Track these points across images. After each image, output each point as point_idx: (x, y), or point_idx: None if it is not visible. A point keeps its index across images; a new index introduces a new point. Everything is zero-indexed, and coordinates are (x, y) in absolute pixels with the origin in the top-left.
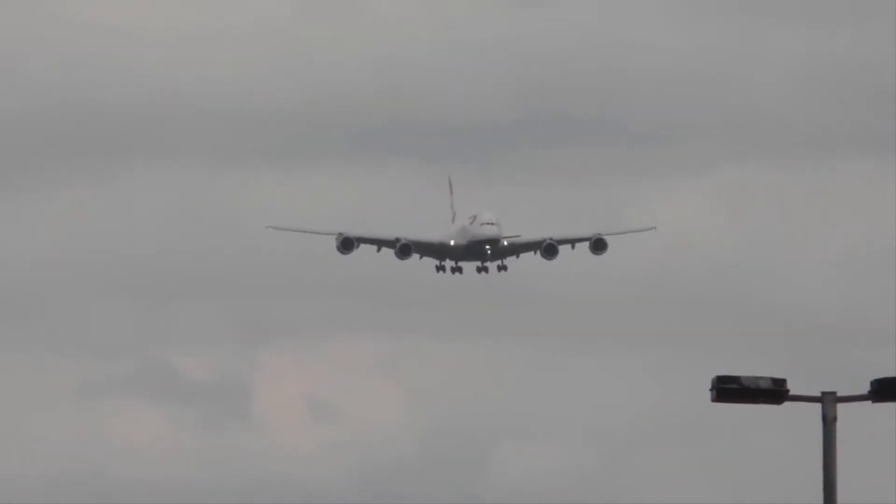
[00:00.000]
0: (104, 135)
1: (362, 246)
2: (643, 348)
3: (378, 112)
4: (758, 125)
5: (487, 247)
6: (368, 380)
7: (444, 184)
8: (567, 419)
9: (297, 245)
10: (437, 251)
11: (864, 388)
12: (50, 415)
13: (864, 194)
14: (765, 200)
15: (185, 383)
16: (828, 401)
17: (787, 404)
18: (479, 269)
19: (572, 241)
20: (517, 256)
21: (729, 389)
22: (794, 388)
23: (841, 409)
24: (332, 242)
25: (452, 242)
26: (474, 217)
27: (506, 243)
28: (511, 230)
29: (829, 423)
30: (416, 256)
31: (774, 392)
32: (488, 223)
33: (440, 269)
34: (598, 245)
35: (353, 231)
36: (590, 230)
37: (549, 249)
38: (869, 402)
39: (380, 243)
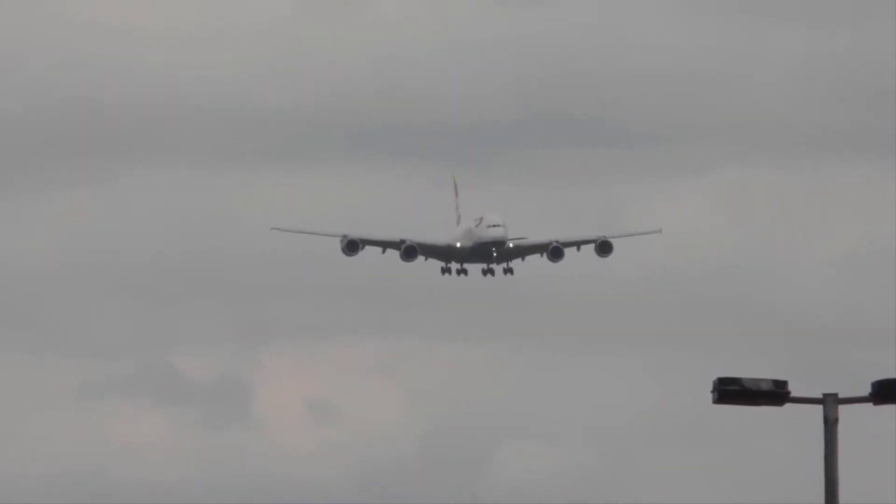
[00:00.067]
0: (104, 135)
1: (367, 247)
2: (644, 350)
3: (378, 112)
4: (758, 125)
5: (493, 249)
6: (374, 381)
7: (446, 184)
8: (569, 420)
9: (301, 246)
10: (442, 253)
11: (866, 390)
12: (51, 415)
13: (864, 194)
14: (765, 201)
15: (187, 384)
16: (829, 402)
17: (788, 406)
18: (485, 272)
19: (578, 244)
20: (523, 259)
21: (730, 391)
22: (795, 389)
23: (842, 410)
24: (337, 244)
25: (458, 244)
26: (480, 219)
27: (511, 245)
28: (514, 232)
29: (830, 424)
30: (421, 258)
31: (776, 394)
32: (494, 225)
33: (446, 270)
34: (604, 247)
35: (357, 232)
36: (593, 232)
37: (555, 252)
38: (870, 404)
39: (385, 245)
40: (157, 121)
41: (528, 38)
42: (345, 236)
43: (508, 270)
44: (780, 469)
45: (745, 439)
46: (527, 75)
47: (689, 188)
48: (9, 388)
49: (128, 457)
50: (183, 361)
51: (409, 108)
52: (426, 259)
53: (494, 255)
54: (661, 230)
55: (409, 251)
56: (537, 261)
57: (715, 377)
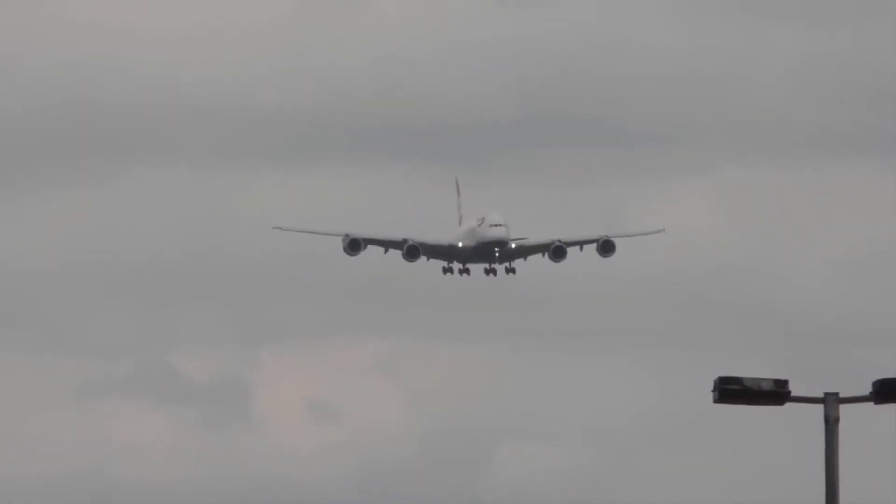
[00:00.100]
0: (104, 135)
1: (369, 247)
2: (645, 349)
3: (378, 112)
4: (758, 125)
5: (496, 249)
6: (375, 381)
7: (446, 184)
8: (570, 420)
9: (301, 246)
10: (444, 253)
11: (866, 389)
12: (51, 415)
13: (864, 194)
14: (765, 201)
15: (187, 384)
16: (830, 402)
17: (788, 405)
18: (487, 272)
19: (580, 243)
20: (525, 258)
21: (731, 390)
22: (795, 389)
23: (843, 410)
24: (339, 243)
25: (460, 244)
26: (483, 219)
27: (514, 245)
28: (515, 232)
29: (830, 423)
30: (423, 258)
31: (776, 393)
32: (497, 225)
33: (447, 270)
34: (606, 247)
35: (359, 232)
36: (593, 231)
37: (557, 252)
38: (871, 403)
39: (387, 245)
40: (158, 121)
41: (528, 38)
42: (347, 235)
43: (510, 270)
44: (780, 468)
45: (745, 439)
46: (527, 75)
47: (689, 188)
48: (9, 388)
49: (128, 457)
50: (183, 361)
51: (409, 108)
52: (428, 259)
53: (497, 254)
54: (664, 230)
55: (412, 251)
56: (539, 261)
57: (715, 376)
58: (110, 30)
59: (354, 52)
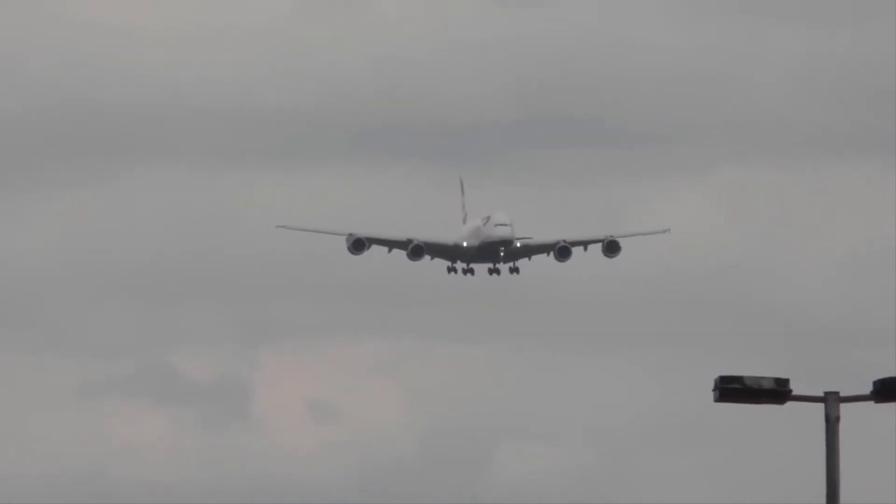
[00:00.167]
0: (104, 135)
1: (373, 247)
2: (646, 348)
3: (378, 112)
4: (758, 125)
5: (501, 248)
6: (377, 381)
7: (446, 184)
8: (570, 420)
9: (303, 246)
10: (449, 252)
11: (867, 389)
12: (51, 415)
13: (864, 194)
14: (766, 201)
15: (187, 384)
16: (830, 401)
17: (789, 404)
18: (491, 271)
19: (585, 243)
20: (529, 258)
21: (732, 389)
22: (796, 388)
23: (844, 409)
24: (342, 243)
25: (465, 244)
26: (487, 218)
27: (518, 245)
28: (517, 231)
29: (831, 423)
30: (427, 258)
31: (777, 392)
32: (502, 224)
33: (452, 270)
34: (611, 247)
35: (363, 231)
36: (594, 231)
37: (562, 251)
38: (872, 402)
39: (391, 244)
40: (158, 121)
41: (528, 38)
42: (351, 235)
43: (514, 270)
44: (781, 468)
45: (746, 438)
46: (527, 75)
47: (690, 188)
48: (9, 388)
49: (128, 457)
50: (183, 361)
51: (409, 108)
52: (432, 258)
53: (502, 254)
54: (668, 230)
55: (416, 250)
56: (543, 261)
57: (716, 375)
58: (110, 30)
59: (354, 52)
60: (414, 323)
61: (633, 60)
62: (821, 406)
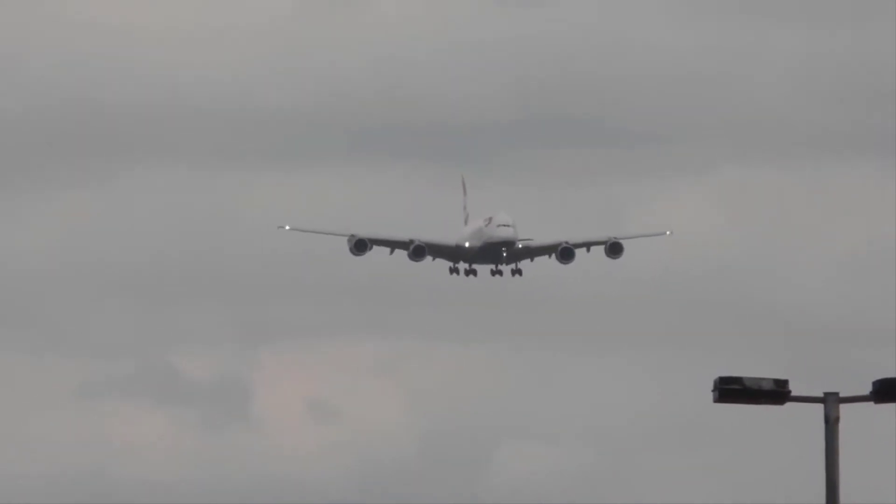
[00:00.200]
0: (104, 135)
1: (374, 247)
2: (645, 349)
3: (378, 113)
4: (758, 125)
5: (503, 249)
6: (380, 382)
7: (446, 184)
8: (570, 420)
9: (303, 246)
10: (451, 253)
11: (867, 389)
12: (51, 415)
13: (864, 194)
14: (765, 201)
15: (187, 384)
16: (830, 401)
17: (789, 405)
18: (494, 273)
19: (587, 245)
20: (531, 260)
21: (731, 390)
22: (796, 388)
23: (843, 409)
24: (343, 243)
25: (467, 244)
26: (490, 219)
27: (521, 246)
28: (521, 233)
29: (831, 423)
30: (428, 258)
31: (776, 393)
32: (504, 225)
33: (453, 271)
34: (614, 249)
35: (365, 232)
36: (594, 232)
37: (565, 253)
38: (871, 403)
39: (393, 245)
40: (158, 121)
41: (528, 38)
42: (353, 236)
43: (517, 271)
44: (780, 468)
45: (745, 438)
46: (527, 75)
47: (690, 188)
48: (9, 388)
49: (128, 457)
50: (183, 361)
51: (409, 109)
52: (434, 259)
53: (504, 255)
54: (671, 231)
55: (418, 251)
56: (545, 262)
57: (716, 376)
58: (110, 30)
59: (354, 52)
60: (416, 323)
61: (633, 60)
62: (820, 407)
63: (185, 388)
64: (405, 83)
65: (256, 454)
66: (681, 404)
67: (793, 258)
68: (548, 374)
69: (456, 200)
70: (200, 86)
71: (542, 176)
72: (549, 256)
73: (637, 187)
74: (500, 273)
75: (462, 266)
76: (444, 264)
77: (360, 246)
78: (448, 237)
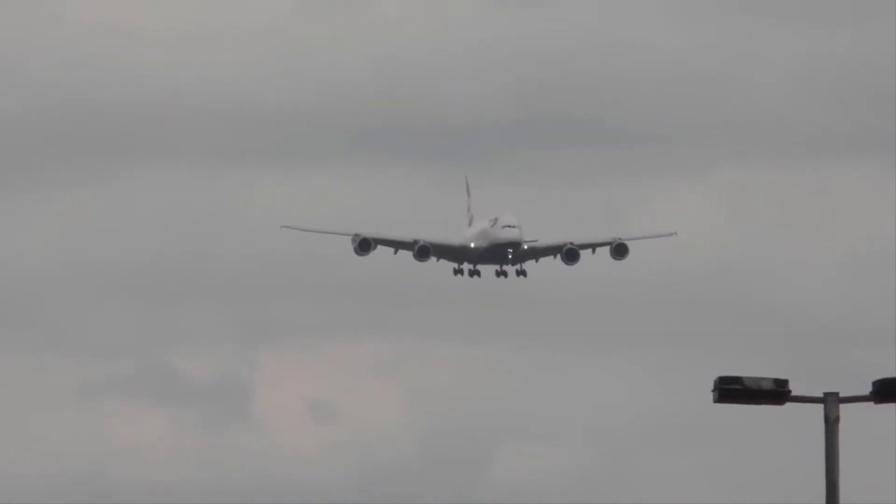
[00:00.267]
0: (104, 135)
1: (378, 247)
2: (645, 349)
3: (378, 113)
4: (758, 125)
5: (509, 250)
6: (383, 382)
7: (446, 185)
8: (571, 420)
9: (304, 247)
10: (455, 254)
11: (867, 389)
12: (51, 415)
13: (864, 194)
14: (765, 201)
15: (188, 384)
16: (830, 401)
17: (789, 405)
18: (498, 273)
19: (592, 246)
20: (536, 261)
21: (731, 390)
22: (796, 388)
23: (843, 409)
24: (345, 243)
25: (472, 245)
26: (495, 219)
27: (526, 247)
28: (526, 233)
29: (831, 423)
30: (433, 259)
31: (776, 393)
32: (510, 226)
33: (458, 271)
34: (620, 250)
35: (369, 232)
36: (599, 232)
37: (570, 254)
38: (871, 403)
39: (397, 245)
40: (158, 121)
41: (528, 39)
42: (356, 235)
43: (521, 272)
44: (780, 468)
45: (745, 438)
46: (527, 75)
47: (690, 188)
48: (9, 388)
49: (129, 457)
50: (184, 362)
51: (409, 109)
52: (438, 259)
53: (510, 256)
54: (675, 233)
55: (423, 251)
56: (548, 262)
57: (716, 376)
58: (110, 30)
59: (354, 52)
60: (420, 324)
61: (633, 60)
62: (820, 407)
63: (185, 389)
64: (405, 83)
65: (259, 454)
66: (681, 404)
67: (793, 258)
68: (548, 374)
69: (456, 200)
70: (200, 86)
71: (543, 176)
72: (555, 257)
73: (637, 187)
74: (505, 274)
75: (466, 267)
76: (448, 265)
77: (364, 246)
78: (450, 237)
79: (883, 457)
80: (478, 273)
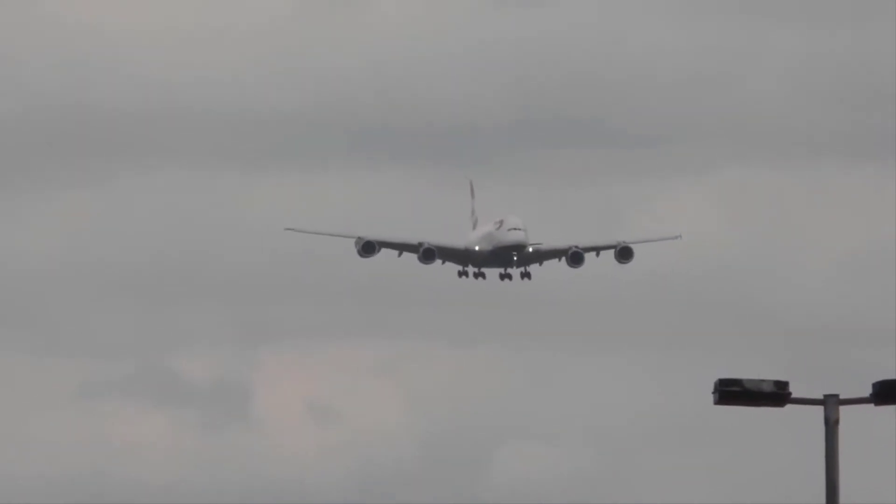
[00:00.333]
0: (104, 136)
1: (382, 250)
2: (645, 350)
3: (378, 113)
4: (758, 126)
5: (514, 253)
6: (385, 383)
7: (446, 185)
8: (571, 421)
9: (309, 248)
10: (460, 256)
11: (866, 391)
12: (51, 416)
13: (864, 195)
14: (765, 201)
15: (188, 385)
16: (830, 403)
17: (789, 407)
18: (503, 276)
19: (597, 249)
20: (540, 264)
21: (731, 392)
22: (796, 390)
23: (843, 411)
24: (348, 245)
25: (477, 247)
26: (500, 222)
27: (531, 250)
28: (531, 236)
29: (831, 425)
30: (437, 261)
31: (777, 395)
32: (515, 228)
33: (462, 274)
34: (624, 253)
35: (373, 234)
36: (601, 232)
37: (575, 257)
38: (871, 405)
39: (402, 247)
40: (157, 121)
41: (528, 39)
42: (360, 238)
43: (526, 275)
44: (780, 470)
45: (745, 440)
46: (527, 76)
47: (690, 189)
48: (9, 388)
49: (129, 458)
50: (184, 363)
51: (409, 110)
52: (443, 262)
53: (515, 259)
54: (680, 236)
55: (428, 253)
56: (552, 264)
57: (716, 378)
58: (110, 31)
59: (354, 53)
60: (425, 326)
61: (634, 61)
62: (820, 409)
63: (186, 389)
64: (405, 84)
65: (261, 455)
66: (681, 405)
67: (793, 259)
68: (549, 376)
69: (457, 201)
70: (201, 86)
71: (543, 176)
72: (559, 260)
73: (637, 188)
74: (510, 277)
75: (471, 269)
76: (452, 267)
77: (367, 248)
78: (452, 239)
79: (883, 459)
80: (482, 275)
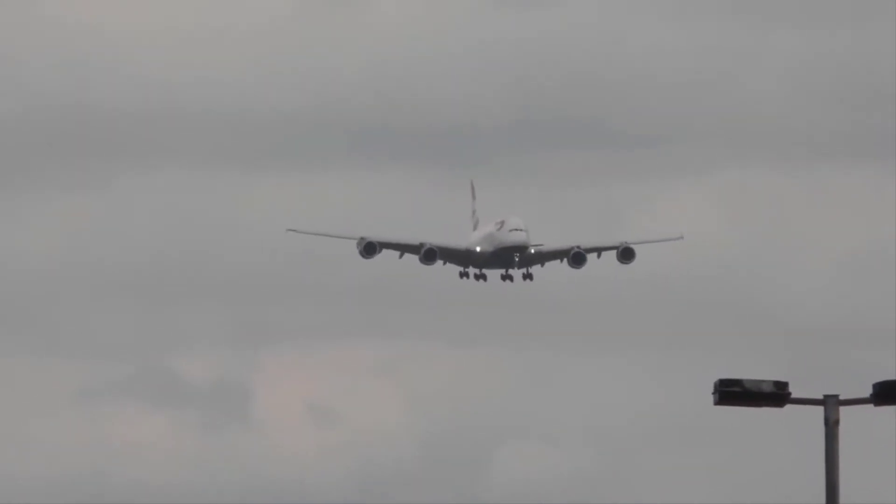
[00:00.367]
0: (104, 136)
1: (384, 251)
2: (645, 351)
3: (378, 114)
4: (758, 126)
5: (516, 254)
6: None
7: (446, 186)
8: (571, 421)
9: (310, 249)
10: (462, 257)
11: (866, 392)
12: (51, 416)
13: (864, 195)
14: (766, 202)
15: (188, 386)
16: (830, 404)
17: (789, 407)
18: (504, 277)
19: (598, 250)
20: (542, 265)
21: (731, 393)
22: (796, 391)
23: (843, 412)
24: (349, 246)
25: (478, 249)
26: (502, 223)
27: (533, 251)
28: (532, 237)
29: (831, 426)
30: (439, 262)
31: (776, 395)
32: (517, 229)
33: (464, 275)
34: (626, 254)
35: (375, 235)
36: (602, 233)
37: (577, 258)
38: (871, 406)
39: (403, 248)
40: (157, 122)
41: (528, 39)
42: (362, 239)
43: (528, 276)
44: (780, 470)
45: (745, 440)
46: (527, 76)
47: (690, 190)
48: (9, 389)
49: (129, 459)
50: (184, 363)
51: (409, 110)
52: (444, 263)
53: (516, 260)
54: (682, 236)
55: (429, 255)
56: (553, 265)
57: (716, 378)
58: (110, 31)
59: (354, 53)
60: (426, 327)
61: (634, 61)
62: (820, 409)
63: (186, 390)
64: (405, 84)
65: (261, 456)
66: (681, 406)
67: (793, 259)
68: (549, 376)
69: (457, 202)
70: (201, 87)
71: (543, 177)
72: (561, 261)
73: (637, 189)
74: (511, 278)
75: (472, 270)
76: (453, 268)
77: (369, 249)
78: (454, 240)
79: (883, 459)
80: (484, 277)
